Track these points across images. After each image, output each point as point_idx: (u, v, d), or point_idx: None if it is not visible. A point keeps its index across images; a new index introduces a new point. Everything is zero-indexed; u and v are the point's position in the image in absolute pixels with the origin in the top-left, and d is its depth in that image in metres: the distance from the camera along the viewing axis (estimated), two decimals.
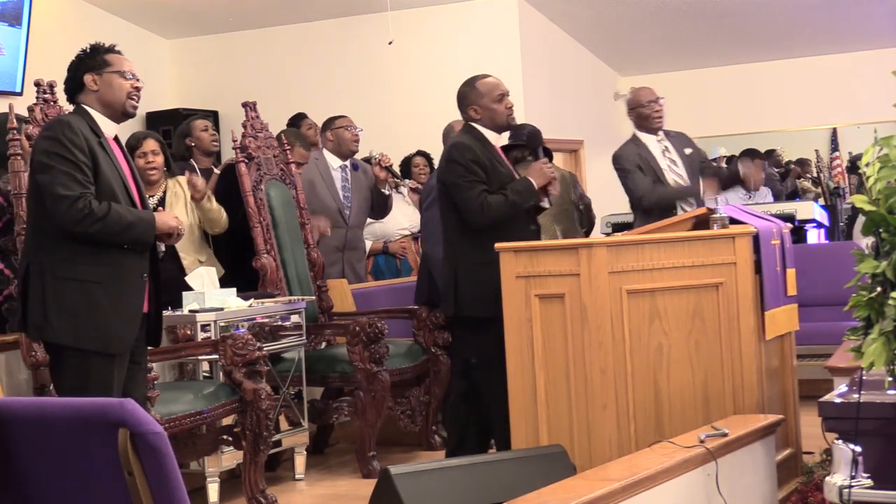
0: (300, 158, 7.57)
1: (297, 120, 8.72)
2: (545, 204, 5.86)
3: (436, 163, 8.80)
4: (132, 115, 4.83)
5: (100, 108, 4.70)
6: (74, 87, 4.74)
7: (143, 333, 4.83)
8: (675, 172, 7.00)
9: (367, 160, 8.02)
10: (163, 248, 5.07)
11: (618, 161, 6.98)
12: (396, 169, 9.23)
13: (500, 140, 5.97)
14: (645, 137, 7.00)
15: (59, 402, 2.71)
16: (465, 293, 5.64)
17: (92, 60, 4.72)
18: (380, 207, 7.98)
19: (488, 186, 5.64)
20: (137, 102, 4.80)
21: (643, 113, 7.02)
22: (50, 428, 2.63)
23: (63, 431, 2.62)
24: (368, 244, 8.78)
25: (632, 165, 6.86)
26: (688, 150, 7.11)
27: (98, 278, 4.57)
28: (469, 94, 5.89)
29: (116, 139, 4.82)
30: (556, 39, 11.61)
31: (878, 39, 11.14)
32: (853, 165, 12.32)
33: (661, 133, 7.09)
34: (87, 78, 4.70)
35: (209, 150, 7.82)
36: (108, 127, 4.73)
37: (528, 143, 6.08)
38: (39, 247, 4.62)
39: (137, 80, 4.77)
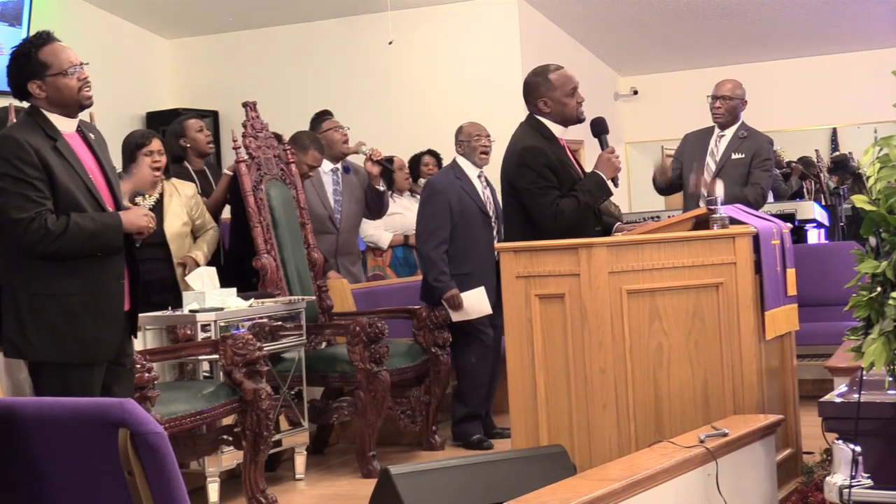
0: (314, 161, 7.50)
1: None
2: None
3: (444, 162, 8.85)
4: (89, 106, 4.64)
5: (53, 108, 4.54)
6: (20, 94, 4.58)
7: (126, 333, 4.74)
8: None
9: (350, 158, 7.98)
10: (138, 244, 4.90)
11: None
12: (407, 172, 9.26)
13: (564, 133, 5.84)
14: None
15: (60, 402, 2.71)
16: None
17: (28, 67, 4.51)
18: (375, 206, 7.93)
19: (560, 190, 5.57)
20: (90, 93, 4.59)
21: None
22: (50, 428, 2.63)
23: (63, 431, 2.62)
24: (389, 236, 8.81)
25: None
26: (737, 155, 7.07)
27: (73, 290, 4.48)
28: (540, 86, 5.79)
29: (80, 131, 4.65)
30: (556, 39, 11.61)
31: (878, 39, 11.15)
32: (835, 165, 12.33)
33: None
34: (32, 87, 4.52)
35: (204, 152, 7.77)
36: (65, 124, 4.57)
37: (594, 131, 5.92)
38: (11, 263, 4.52)
39: (82, 69, 4.56)
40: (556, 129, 5.77)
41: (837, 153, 12.68)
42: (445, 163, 8.74)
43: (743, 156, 7.01)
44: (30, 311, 4.46)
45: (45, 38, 4.60)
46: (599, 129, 5.94)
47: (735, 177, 6.90)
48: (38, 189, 4.40)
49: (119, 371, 4.68)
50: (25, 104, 4.71)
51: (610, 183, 5.72)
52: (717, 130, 7.13)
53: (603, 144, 5.86)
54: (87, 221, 4.47)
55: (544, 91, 5.76)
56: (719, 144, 7.10)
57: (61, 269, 4.47)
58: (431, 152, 9.67)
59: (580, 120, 5.86)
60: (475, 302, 6.86)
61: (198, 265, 6.62)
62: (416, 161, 9.68)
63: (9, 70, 4.58)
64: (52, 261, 4.44)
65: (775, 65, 12.40)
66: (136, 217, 4.66)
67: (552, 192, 5.55)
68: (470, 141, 7.11)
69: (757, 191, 6.86)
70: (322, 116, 8.18)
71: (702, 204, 6.44)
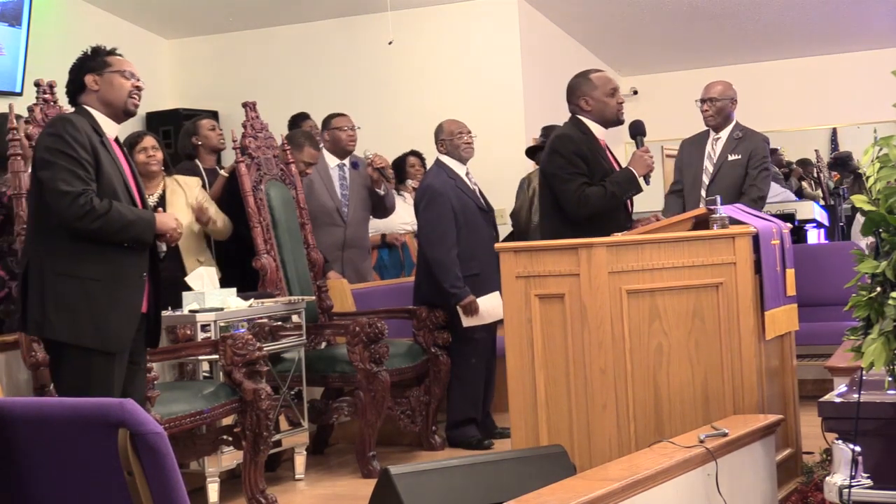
0: (311, 158, 7.57)
1: (299, 120, 8.70)
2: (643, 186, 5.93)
3: (429, 162, 8.84)
4: (133, 114, 4.88)
5: (101, 107, 4.74)
6: (76, 88, 4.77)
7: (142, 334, 4.84)
8: None
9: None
10: (164, 248, 5.06)
11: None
12: (391, 171, 9.26)
13: (604, 135, 5.98)
14: None
15: (60, 402, 2.72)
16: None
17: (93, 62, 4.76)
18: (377, 207, 7.97)
19: (590, 179, 5.71)
20: (138, 101, 4.83)
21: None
22: (50, 428, 2.65)
23: (63, 431, 2.63)
24: (406, 230, 8.85)
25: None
26: (733, 156, 7.10)
27: (98, 276, 4.58)
28: (582, 86, 5.95)
29: (117, 140, 4.84)
30: (556, 39, 11.61)
31: (878, 39, 11.15)
32: (836, 161, 12.34)
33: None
34: (89, 79, 4.73)
35: (216, 148, 7.95)
36: (109, 127, 4.76)
37: (631, 132, 6.09)
38: (39, 244, 4.64)
39: (138, 79, 4.80)
40: (595, 128, 5.93)
41: (840, 151, 12.68)
42: (429, 163, 8.73)
43: (740, 157, 7.00)
44: (53, 291, 4.56)
45: (114, 50, 4.87)
46: (636, 130, 6.12)
47: (733, 178, 6.92)
48: (86, 169, 4.55)
49: (134, 370, 4.77)
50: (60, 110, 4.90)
51: (641, 180, 5.87)
52: (712, 133, 7.14)
53: (638, 144, 6.02)
54: (126, 210, 4.62)
55: (586, 90, 5.93)
56: (716, 147, 7.10)
57: (88, 253, 4.58)
58: (415, 153, 9.66)
59: (620, 121, 6.03)
60: (491, 307, 6.83)
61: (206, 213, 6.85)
62: (400, 162, 9.68)
63: (72, 66, 4.81)
64: (85, 241, 4.55)
65: (775, 65, 12.40)
66: (168, 218, 4.85)
67: (579, 178, 5.71)
68: (452, 139, 7.09)
69: (753, 192, 6.87)
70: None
71: (702, 205, 6.46)
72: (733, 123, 7.12)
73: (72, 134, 4.56)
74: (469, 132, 7.15)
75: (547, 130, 9.04)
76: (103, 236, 4.56)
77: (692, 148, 7.25)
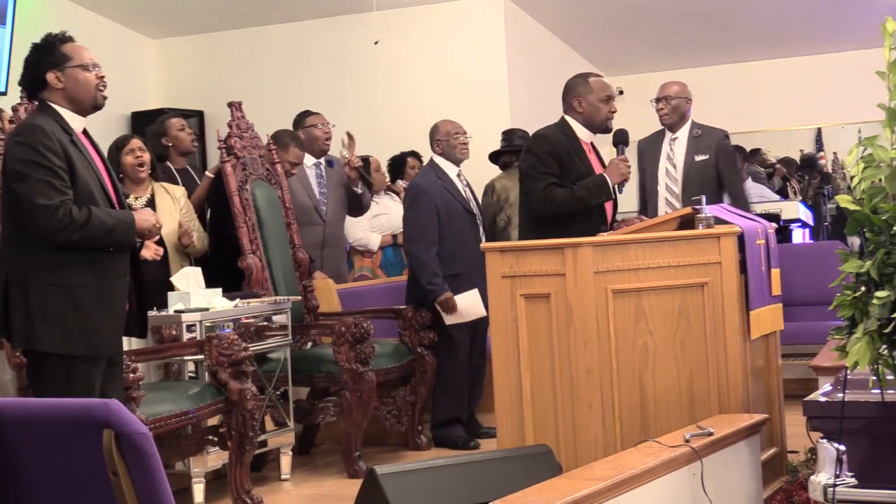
0: (296, 158, 7.56)
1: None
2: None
3: (424, 161, 8.87)
4: (101, 107, 4.73)
5: (67, 104, 4.61)
6: (35, 85, 4.64)
7: (121, 334, 4.79)
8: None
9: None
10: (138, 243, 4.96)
11: None
12: (385, 173, 9.30)
13: (591, 138, 6.03)
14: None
15: (45, 403, 2.72)
16: None
17: (51, 56, 4.60)
18: (355, 205, 7.98)
19: (560, 179, 5.76)
20: (105, 93, 4.70)
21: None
22: (36, 428, 2.64)
23: (49, 432, 2.62)
24: (378, 238, 8.84)
25: None
26: (700, 157, 7.12)
27: (83, 282, 4.53)
28: (578, 87, 6.01)
29: (85, 132, 4.72)
30: (542, 39, 11.62)
31: (862, 40, 11.14)
32: (803, 163, 12.37)
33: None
34: (50, 76, 4.59)
35: (187, 150, 7.79)
36: (76, 122, 4.64)
37: (614, 140, 6.12)
38: (19, 254, 4.56)
39: (100, 68, 4.67)
40: (580, 130, 5.98)
41: (806, 152, 12.73)
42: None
43: (707, 157, 7.00)
44: (38, 302, 4.49)
45: (67, 36, 4.71)
46: (619, 138, 6.14)
47: (706, 178, 6.92)
48: (61, 178, 4.46)
49: (112, 371, 4.72)
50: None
51: (616, 188, 5.89)
52: (668, 133, 7.15)
53: (619, 153, 6.04)
54: (105, 216, 4.55)
55: (582, 91, 5.99)
56: (675, 147, 7.10)
57: (71, 261, 4.52)
58: (415, 154, 9.69)
59: (608, 129, 6.06)
60: (469, 304, 6.86)
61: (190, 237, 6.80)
62: (397, 162, 9.71)
63: (28, 61, 4.66)
64: (66, 251, 4.49)
65: (760, 65, 12.42)
66: (147, 215, 4.79)
67: (548, 177, 5.78)
68: (448, 139, 7.12)
69: (734, 189, 6.93)
70: (305, 116, 8.21)
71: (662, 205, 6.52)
72: (689, 122, 7.13)
73: (43, 142, 4.45)
74: (465, 133, 7.20)
75: (508, 134, 9.08)
76: (85, 245, 4.51)
77: (647, 147, 7.28)
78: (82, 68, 4.61)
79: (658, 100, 7.13)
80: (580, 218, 5.75)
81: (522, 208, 6.06)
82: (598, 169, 5.99)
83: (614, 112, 6.04)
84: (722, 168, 6.98)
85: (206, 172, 7.53)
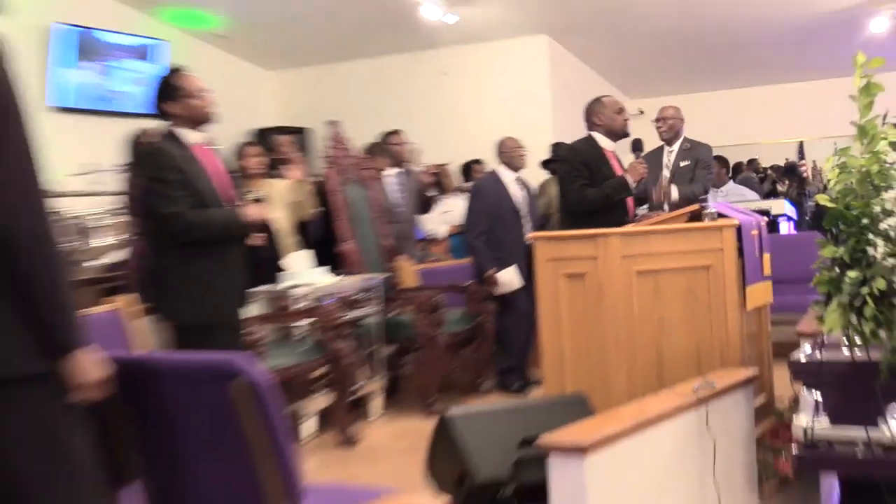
0: (381, 167, 7.69)
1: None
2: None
3: (484, 166, 8.93)
4: (212, 122, 4.72)
5: (183, 124, 4.61)
6: (159, 111, 4.66)
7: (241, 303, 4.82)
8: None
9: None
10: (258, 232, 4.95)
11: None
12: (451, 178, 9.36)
13: (614, 147, 6.07)
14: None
15: (191, 357, 2.76)
16: None
17: (166, 89, 4.62)
18: (424, 206, 8.13)
19: (590, 181, 5.83)
20: (213, 110, 4.68)
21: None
22: (183, 377, 2.67)
23: (192, 379, 2.66)
24: (445, 228, 8.94)
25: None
26: (684, 163, 7.13)
27: (208, 268, 4.57)
28: (595, 106, 6.09)
29: (205, 142, 4.73)
30: (577, 68, 11.57)
31: (838, 70, 11.01)
32: (785, 170, 12.21)
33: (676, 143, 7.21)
34: (168, 106, 4.61)
35: (292, 161, 7.97)
36: (192, 137, 4.63)
37: (632, 147, 6.13)
38: (160, 251, 4.61)
39: (207, 91, 4.66)
40: (604, 142, 6.02)
41: (787, 161, 12.56)
42: (486, 167, 8.89)
43: (689, 162, 7.09)
44: (178, 286, 4.55)
45: (179, 70, 4.72)
46: (636, 146, 6.17)
47: (684, 179, 7.05)
48: (178, 189, 4.48)
49: (234, 333, 4.77)
50: (160, 124, 4.80)
51: (635, 186, 5.94)
52: (666, 147, 7.20)
53: (636, 157, 6.06)
54: (218, 215, 4.56)
55: (598, 109, 6.06)
56: (670, 157, 7.18)
57: (197, 252, 4.55)
58: (478, 161, 9.82)
59: (626, 133, 6.12)
60: (508, 278, 6.95)
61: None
62: (468, 166, 9.85)
63: (154, 92, 4.68)
64: (192, 245, 4.52)
65: (753, 90, 12.31)
66: (253, 210, 4.77)
67: (580, 180, 5.85)
68: (510, 152, 7.20)
69: (698, 187, 6.92)
70: (389, 134, 8.29)
71: (666, 208, 6.48)
72: (682, 137, 7.15)
73: (162, 163, 4.49)
74: (522, 147, 7.32)
75: (555, 147, 9.12)
76: (202, 241, 4.54)
77: (651, 159, 7.31)
78: (191, 96, 4.61)
79: (657, 120, 7.16)
80: (606, 211, 5.80)
81: (561, 205, 6.10)
82: (619, 172, 6.01)
83: (628, 119, 6.10)
84: (697, 170, 7.07)
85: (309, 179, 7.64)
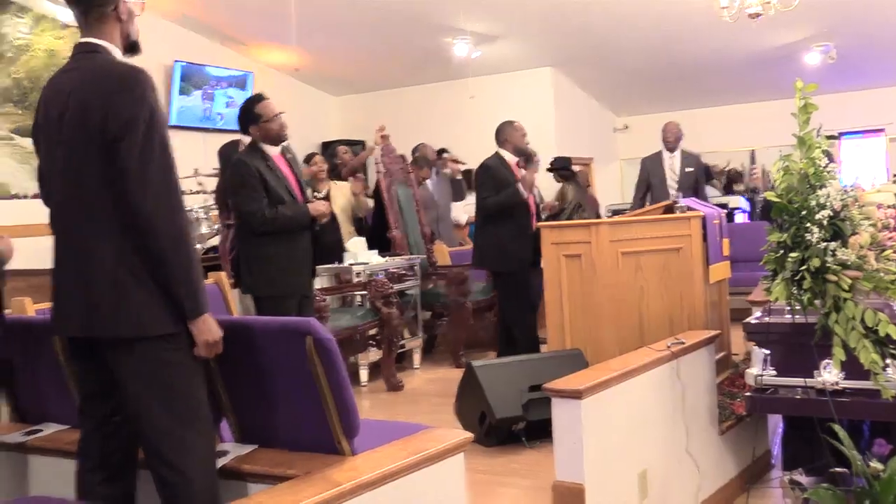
0: (426, 175, 7.78)
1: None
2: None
3: None
4: (286, 140, 4.71)
5: (264, 140, 4.59)
6: (245, 131, 4.67)
7: (310, 278, 4.78)
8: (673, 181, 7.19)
9: (443, 150, 8.21)
10: (322, 222, 4.91)
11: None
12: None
13: (515, 161, 5.92)
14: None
15: (272, 319, 2.77)
16: (488, 254, 5.85)
17: (249, 114, 4.62)
18: (457, 191, 8.19)
19: (496, 189, 5.74)
20: (285, 131, 4.66)
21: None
22: (266, 336, 2.67)
23: (274, 338, 2.66)
24: (465, 217, 8.94)
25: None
26: (689, 169, 7.29)
27: (280, 251, 4.54)
28: (506, 129, 5.97)
29: (282, 151, 4.69)
30: (575, 93, 11.49)
31: (782, 93, 10.90)
32: (737, 175, 12.18)
33: (675, 153, 7.30)
34: (251, 129, 4.61)
35: (352, 167, 8.24)
36: (271, 150, 4.61)
37: (524, 160, 5.99)
38: (244, 239, 4.61)
39: (280, 116, 4.63)
40: (509, 157, 5.89)
41: (729, 168, 12.53)
42: None
43: (692, 169, 7.23)
44: (256, 265, 4.55)
45: (258, 97, 4.72)
46: (527, 159, 6.04)
47: (689, 182, 7.15)
48: (259, 191, 4.48)
49: (306, 302, 4.76)
50: (248, 138, 4.81)
51: (525, 193, 5.77)
52: (667, 153, 7.30)
53: (527, 169, 5.93)
54: (289, 211, 4.54)
55: (509, 132, 5.93)
56: (674, 161, 7.29)
57: (272, 239, 4.54)
58: None
59: (526, 152, 5.98)
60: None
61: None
62: None
63: (239, 117, 4.71)
64: (269, 234, 4.51)
65: (716, 108, 12.18)
66: (318, 206, 4.75)
67: (489, 190, 5.76)
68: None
69: (704, 193, 7.00)
70: (442, 151, 8.46)
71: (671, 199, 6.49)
72: (680, 147, 7.24)
73: (245, 172, 4.49)
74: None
75: (556, 160, 8.96)
76: (278, 231, 4.51)
77: (652, 162, 7.46)
78: (269, 121, 4.59)
79: (665, 131, 7.39)
80: (514, 212, 5.73)
81: (477, 207, 5.95)
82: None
83: (524, 135, 5.94)
84: (699, 177, 7.20)
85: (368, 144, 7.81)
